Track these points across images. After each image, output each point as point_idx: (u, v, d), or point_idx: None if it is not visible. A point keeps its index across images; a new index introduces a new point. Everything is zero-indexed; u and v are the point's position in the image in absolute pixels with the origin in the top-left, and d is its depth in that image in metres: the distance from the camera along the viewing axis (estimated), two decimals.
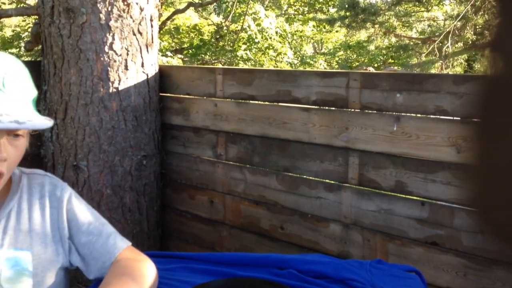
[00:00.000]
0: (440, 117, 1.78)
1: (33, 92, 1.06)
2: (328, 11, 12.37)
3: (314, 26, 13.46)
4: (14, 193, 1.09)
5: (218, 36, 9.71)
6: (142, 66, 2.45)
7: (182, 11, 6.88)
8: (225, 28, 9.62)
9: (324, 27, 12.97)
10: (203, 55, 9.70)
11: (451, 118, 1.77)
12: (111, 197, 2.42)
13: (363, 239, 2.01)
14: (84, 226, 1.13)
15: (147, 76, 2.49)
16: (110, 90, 2.36)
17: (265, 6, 11.49)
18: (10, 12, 2.82)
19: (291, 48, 11.05)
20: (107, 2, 2.31)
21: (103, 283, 1.05)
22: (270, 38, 9.53)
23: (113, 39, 2.34)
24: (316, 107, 2.10)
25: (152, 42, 2.51)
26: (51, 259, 1.09)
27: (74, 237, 1.12)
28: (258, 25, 9.24)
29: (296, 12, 13.41)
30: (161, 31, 8.61)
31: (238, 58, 9.16)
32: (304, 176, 2.15)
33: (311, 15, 13.01)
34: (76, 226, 1.12)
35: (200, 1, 7.05)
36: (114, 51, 2.35)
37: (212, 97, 2.42)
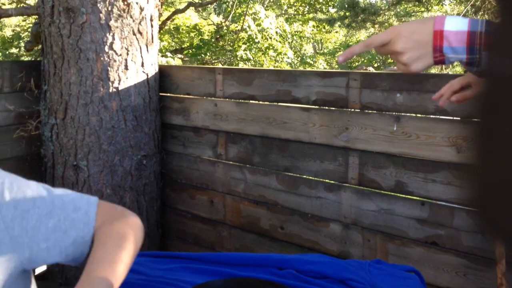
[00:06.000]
0: (440, 117, 1.78)
1: None
2: (328, 11, 12.37)
3: (314, 26, 13.45)
4: None
5: (218, 36, 9.71)
6: (142, 66, 2.45)
7: (182, 11, 6.88)
8: (225, 28, 9.62)
9: (324, 27, 12.97)
10: (203, 55, 9.70)
11: (451, 118, 1.77)
12: (111, 197, 2.42)
13: (363, 239, 2.01)
14: (45, 210, 0.96)
15: (147, 76, 2.49)
16: (110, 90, 2.36)
17: (265, 6, 11.49)
18: (10, 12, 2.82)
19: (291, 48, 11.05)
20: (107, 2, 2.31)
21: (89, 268, 0.91)
22: (270, 38, 9.52)
23: (113, 39, 2.34)
24: (316, 107, 2.10)
25: (152, 42, 2.51)
26: (7, 265, 0.94)
27: (40, 225, 0.95)
28: (258, 25, 9.24)
29: (296, 12, 13.40)
30: (161, 31, 8.61)
31: (238, 58, 9.16)
32: (304, 176, 2.15)
33: (311, 15, 13.01)
34: (37, 213, 0.96)
35: (200, 1, 7.05)
36: (114, 51, 2.35)
37: (212, 97, 2.42)
